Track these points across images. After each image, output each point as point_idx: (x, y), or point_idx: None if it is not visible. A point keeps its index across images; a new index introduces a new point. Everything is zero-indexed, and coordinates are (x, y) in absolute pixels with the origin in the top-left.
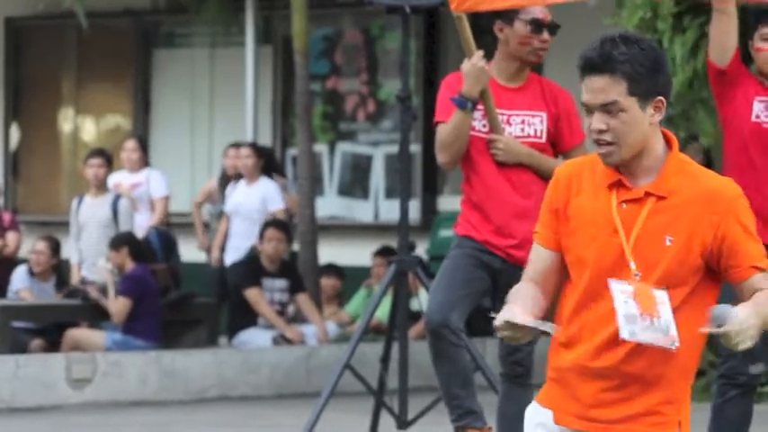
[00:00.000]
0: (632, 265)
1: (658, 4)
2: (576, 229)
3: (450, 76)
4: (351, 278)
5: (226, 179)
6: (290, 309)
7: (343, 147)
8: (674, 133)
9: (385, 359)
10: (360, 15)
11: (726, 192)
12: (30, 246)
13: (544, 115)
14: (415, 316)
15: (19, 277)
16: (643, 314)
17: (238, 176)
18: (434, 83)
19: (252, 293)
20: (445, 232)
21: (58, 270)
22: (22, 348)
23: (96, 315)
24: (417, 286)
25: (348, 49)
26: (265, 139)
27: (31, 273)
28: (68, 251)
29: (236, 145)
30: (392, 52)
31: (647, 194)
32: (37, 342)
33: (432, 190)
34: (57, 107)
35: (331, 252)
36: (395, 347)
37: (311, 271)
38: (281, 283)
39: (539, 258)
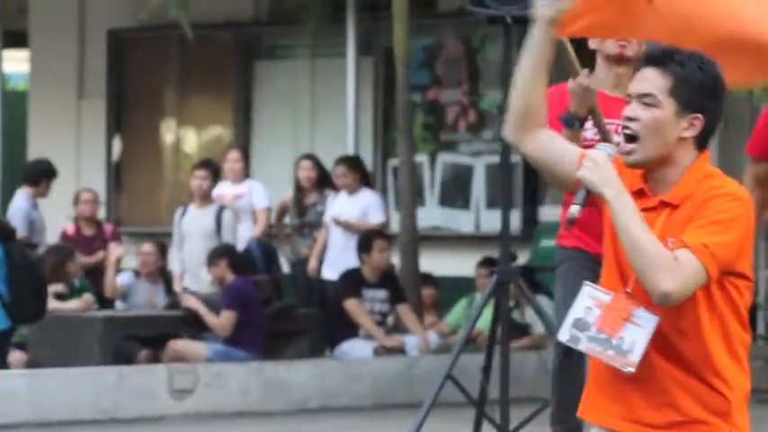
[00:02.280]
0: (633, 279)
1: None
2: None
3: (552, 89)
4: (452, 288)
5: (300, 191)
6: (390, 319)
7: (444, 157)
8: None
9: (486, 370)
10: (461, 26)
11: (718, 189)
12: (131, 257)
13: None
14: (518, 327)
15: (126, 282)
16: (600, 327)
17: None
18: None
19: (351, 304)
20: (546, 242)
21: (165, 275)
22: (128, 358)
23: (198, 326)
24: (522, 299)
25: (449, 60)
26: (367, 151)
27: (137, 276)
28: (172, 261)
29: (308, 156)
30: (493, 62)
31: (663, 204)
32: (144, 353)
33: (533, 200)
34: (159, 119)
35: (432, 263)
36: (496, 358)
37: (412, 282)
38: (381, 293)
39: None
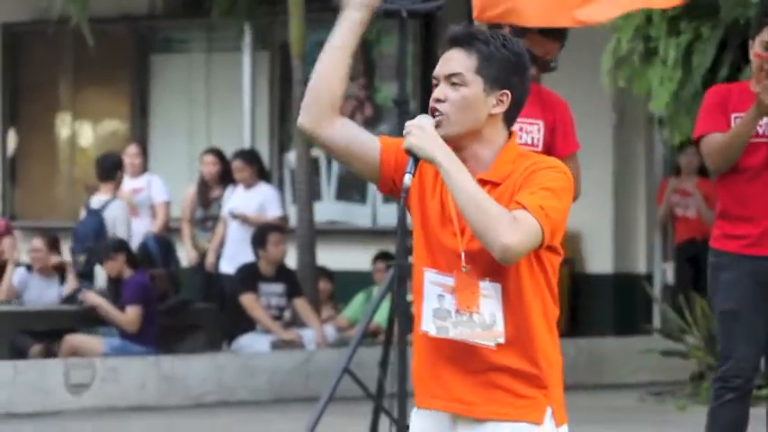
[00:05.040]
0: (462, 257)
1: (653, 11)
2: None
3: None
4: (348, 282)
5: (205, 185)
6: (287, 313)
7: None
8: (669, 136)
9: (384, 363)
10: None
11: (540, 163)
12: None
13: (541, 123)
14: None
15: (19, 278)
16: (459, 310)
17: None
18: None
19: (247, 299)
20: None
21: (61, 269)
22: (21, 353)
23: (94, 321)
24: None
25: None
26: (263, 145)
27: (30, 271)
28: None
29: (211, 151)
30: (389, 56)
31: (482, 182)
32: (37, 348)
33: None
34: (54, 112)
35: (329, 257)
36: (393, 352)
37: (309, 275)
38: (278, 287)
39: (370, 140)
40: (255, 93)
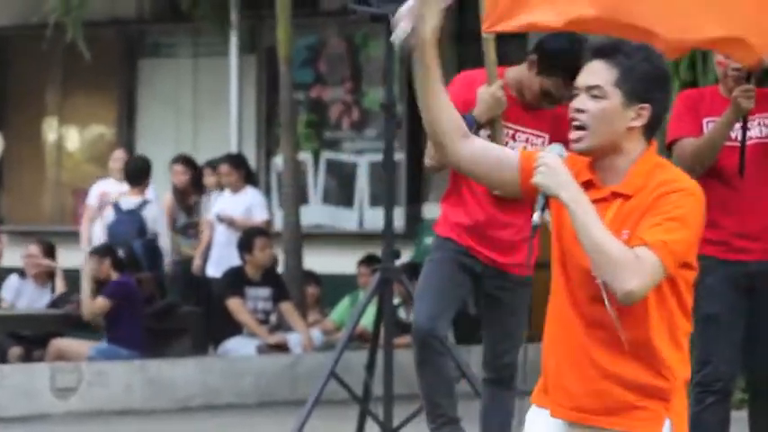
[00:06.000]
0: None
1: None
2: (559, 224)
3: (463, 75)
4: (335, 286)
5: (180, 194)
6: (273, 317)
7: (328, 155)
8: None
9: (370, 367)
10: (343, 24)
11: (672, 183)
12: (15, 256)
13: (547, 137)
14: (402, 325)
15: (10, 285)
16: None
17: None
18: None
19: (233, 303)
20: (430, 240)
21: (53, 276)
22: (1, 355)
23: (81, 325)
24: (408, 297)
25: (332, 58)
26: (250, 149)
27: (23, 277)
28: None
29: (179, 159)
30: (376, 61)
31: (614, 195)
32: (16, 350)
33: (416, 198)
34: (42, 117)
35: (315, 260)
36: (380, 355)
37: (295, 279)
38: (264, 291)
39: (506, 158)
40: (242, 97)
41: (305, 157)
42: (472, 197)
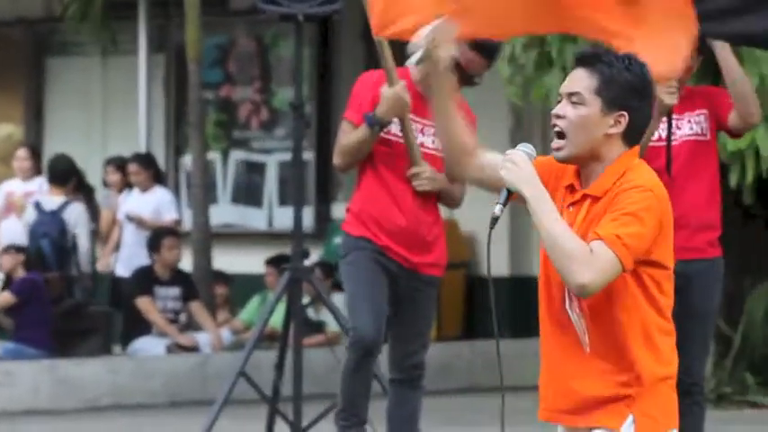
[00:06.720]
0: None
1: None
2: None
3: (368, 74)
4: (245, 286)
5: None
6: (182, 316)
7: (237, 155)
8: None
9: (279, 367)
10: (253, 24)
11: (632, 181)
12: None
13: None
14: (312, 324)
15: None
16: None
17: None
18: (327, 91)
19: (142, 302)
20: (339, 239)
21: None
22: None
23: None
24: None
25: (241, 58)
26: (159, 148)
27: None
28: None
29: (112, 160)
30: (285, 60)
31: (585, 197)
32: None
33: (325, 197)
34: None
35: (225, 260)
36: (289, 355)
37: (205, 279)
38: (174, 291)
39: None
40: (151, 96)
41: (214, 156)
42: (389, 196)
